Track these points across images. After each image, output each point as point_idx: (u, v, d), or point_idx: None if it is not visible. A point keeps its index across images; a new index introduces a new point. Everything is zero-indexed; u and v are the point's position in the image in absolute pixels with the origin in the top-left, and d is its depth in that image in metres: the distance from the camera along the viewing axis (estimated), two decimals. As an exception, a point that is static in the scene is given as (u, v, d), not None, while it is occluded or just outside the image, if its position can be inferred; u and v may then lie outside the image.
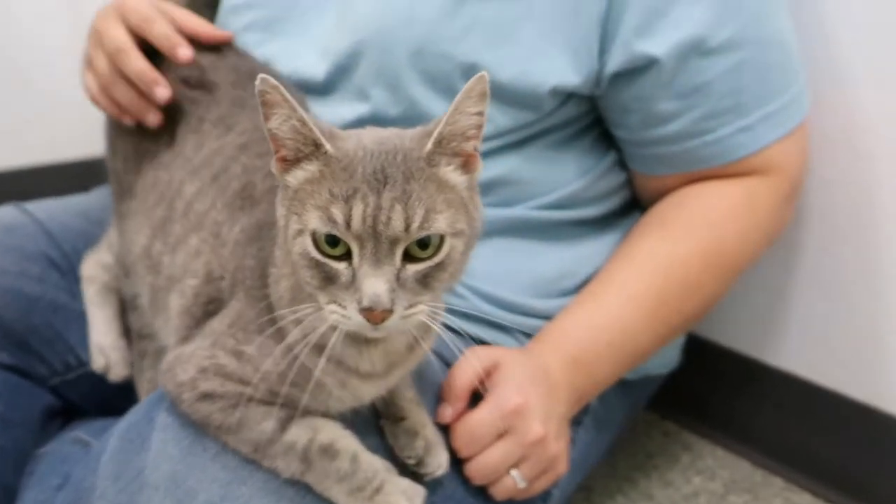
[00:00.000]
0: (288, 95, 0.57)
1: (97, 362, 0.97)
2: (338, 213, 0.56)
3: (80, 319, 1.03)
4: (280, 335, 0.67)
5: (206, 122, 0.87)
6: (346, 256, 0.58)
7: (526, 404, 0.78)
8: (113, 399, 0.98)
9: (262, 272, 0.70)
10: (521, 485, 0.79)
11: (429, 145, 0.59)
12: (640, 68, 0.85)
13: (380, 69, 0.88)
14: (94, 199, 1.15)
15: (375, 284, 0.56)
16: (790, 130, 0.89)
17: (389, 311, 0.56)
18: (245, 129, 0.83)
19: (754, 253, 0.94)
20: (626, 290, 0.89)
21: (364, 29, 0.89)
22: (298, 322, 0.64)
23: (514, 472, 0.78)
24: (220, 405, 0.69)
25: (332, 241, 0.57)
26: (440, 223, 0.58)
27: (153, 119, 0.89)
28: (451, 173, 0.60)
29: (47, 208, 1.10)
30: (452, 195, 0.60)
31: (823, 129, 1.01)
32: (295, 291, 0.65)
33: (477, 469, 0.78)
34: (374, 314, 0.56)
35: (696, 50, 0.83)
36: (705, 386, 1.24)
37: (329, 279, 0.58)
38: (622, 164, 0.99)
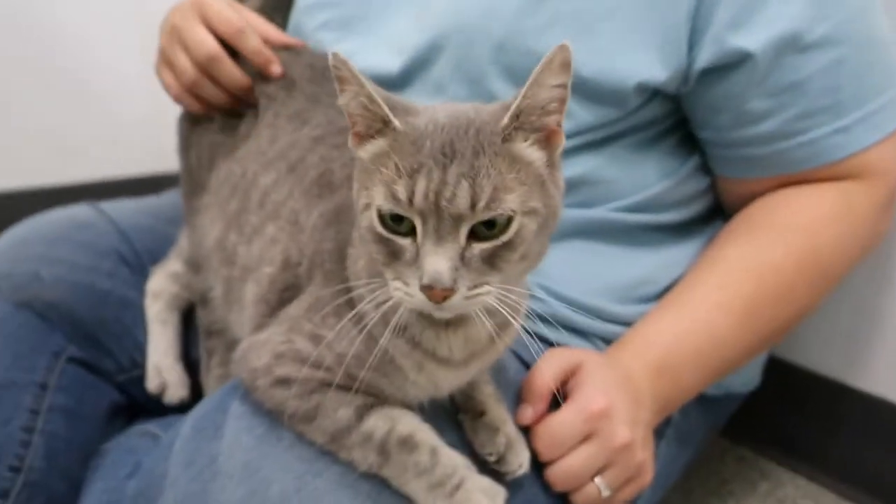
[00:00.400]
0: (356, 71, 0.56)
1: (152, 382, 0.96)
2: (401, 189, 0.55)
3: (148, 315, 1.03)
4: (358, 316, 0.65)
5: (281, 117, 0.87)
6: (412, 232, 0.56)
7: (611, 407, 0.74)
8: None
9: (340, 254, 0.68)
10: (606, 493, 0.74)
11: (505, 119, 0.57)
12: (732, 64, 0.82)
13: (459, 64, 0.87)
14: (165, 200, 1.16)
15: (436, 262, 0.54)
16: (889, 133, 0.85)
17: (451, 290, 0.54)
18: (320, 122, 0.83)
19: (850, 262, 0.90)
20: (715, 296, 0.85)
21: (444, 24, 0.88)
22: (374, 302, 0.63)
23: (598, 480, 0.74)
24: (296, 391, 0.67)
25: (398, 216, 0.56)
26: (509, 202, 0.55)
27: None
28: (527, 149, 0.58)
29: (119, 207, 1.11)
30: (527, 172, 0.57)
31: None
32: (371, 269, 0.64)
33: (559, 474, 0.74)
34: (435, 292, 0.54)
35: (793, 45, 0.80)
36: (784, 410, 1.19)
37: (394, 255, 0.57)
38: (706, 168, 0.96)
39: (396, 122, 0.57)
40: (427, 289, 0.54)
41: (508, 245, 0.56)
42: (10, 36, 1.90)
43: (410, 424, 0.67)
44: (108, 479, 0.79)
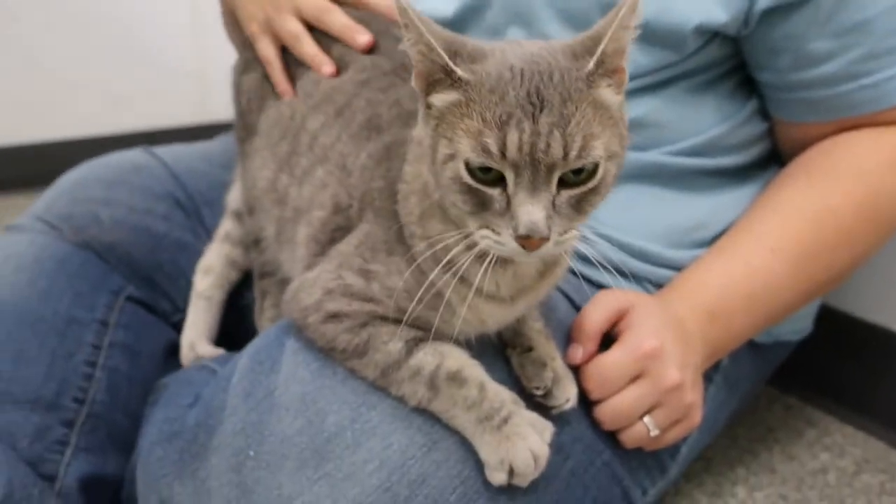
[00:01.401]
0: (417, 19, 0.55)
1: (186, 358, 0.97)
2: (491, 142, 0.54)
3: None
4: (409, 251, 0.66)
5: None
6: (500, 181, 0.56)
7: (662, 348, 0.74)
8: (233, 337, 0.99)
9: (390, 191, 0.69)
10: (654, 432, 0.75)
11: (591, 65, 0.56)
12: (796, 3, 0.79)
13: (515, 7, 0.86)
14: (217, 145, 1.17)
15: (532, 212, 0.54)
16: None
17: (546, 239, 0.55)
18: (365, 65, 0.82)
19: None
20: (770, 240, 0.84)
21: None
22: (427, 237, 0.64)
23: (646, 419, 0.75)
24: (347, 324, 0.68)
25: (486, 167, 0.56)
26: (598, 149, 0.55)
27: (328, 70, 0.86)
28: (607, 93, 0.58)
29: (173, 152, 1.13)
30: (608, 116, 0.57)
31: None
32: (424, 207, 0.65)
33: (608, 412, 0.75)
34: (532, 241, 0.55)
35: None
36: (833, 359, 1.17)
37: (482, 205, 0.57)
38: (764, 112, 0.93)
39: (461, 73, 0.56)
40: (523, 238, 0.55)
41: (595, 190, 0.57)
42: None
43: (459, 360, 0.68)
44: (169, 409, 0.81)
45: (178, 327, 1.04)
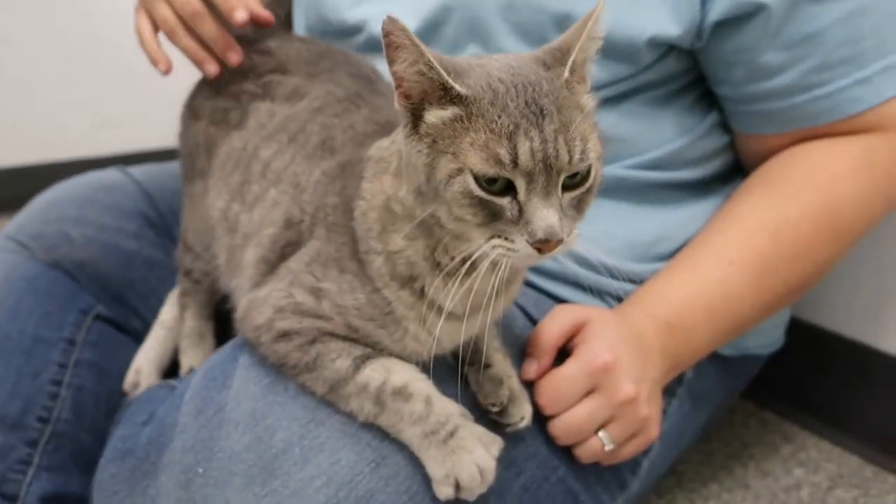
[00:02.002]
0: (415, 38, 0.56)
1: (128, 380, 0.96)
2: (503, 152, 0.55)
3: (174, 276, 1.05)
4: (362, 268, 0.66)
5: (278, 98, 0.86)
6: (508, 191, 0.57)
7: (616, 362, 0.74)
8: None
9: (345, 207, 0.69)
10: (609, 447, 0.75)
11: (565, 74, 0.58)
12: (746, 15, 0.80)
13: (470, 24, 0.87)
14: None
15: (548, 217, 0.56)
16: None
17: (562, 240, 0.56)
18: (318, 95, 0.83)
19: (873, 217, 0.87)
20: (728, 253, 0.84)
21: None
22: (383, 252, 0.64)
23: (601, 434, 0.75)
24: (298, 342, 0.69)
25: (492, 178, 0.56)
26: (591, 150, 0.57)
27: (212, 70, 0.89)
28: (586, 98, 0.60)
29: (146, 171, 1.14)
30: (590, 119, 0.59)
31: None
32: (385, 222, 0.65)
33: (562, 426, 0.74)
34: (550, 245, 0.56)
35: None
36: (809, 374, 1.16)
37: (493, 215, 0.57)
38: (724, 125, 0.94)
39: (460, 89, 0.57)
40: (542, 242, 0.56)
41: (590, 190, 0.59)
42: (50, 12, 1.95)
43: (405, 374, 0.68)
44: (126, 427, 0.81)
45: (147, 345, 1.04)
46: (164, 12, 0.90)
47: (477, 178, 0.56)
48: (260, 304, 0.71)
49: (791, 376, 1.17)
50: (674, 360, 0.82)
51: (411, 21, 0.92)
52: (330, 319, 0.68)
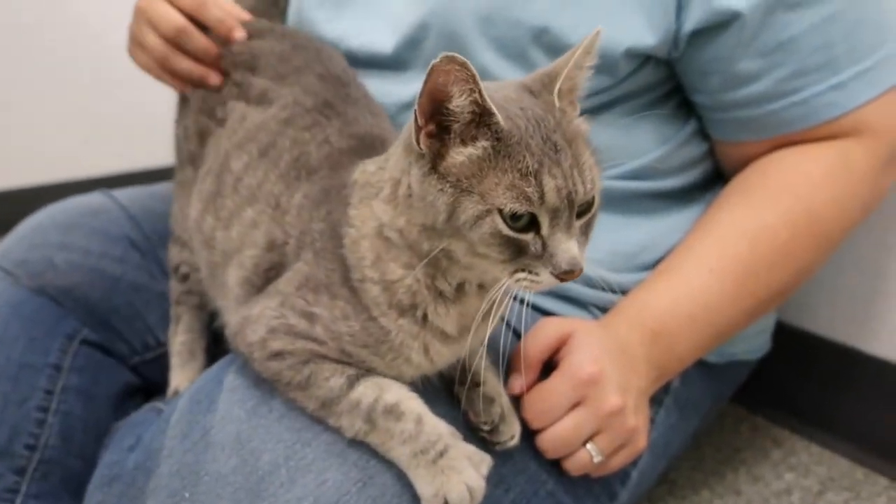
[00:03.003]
0: (475, 71, 0.55)
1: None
2: (531, 190, 0.56)
3: (159, 300, 1.05)
4: (355, 295, 0.66)
5: (250, 100, 0.87)
6: (531, 226, 0.58)
7: (601, 373, 0.74)
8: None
9: (332, 234, 0.69)
10: (598, 458, 0.75)
11: (556, 103, 0.60)
12: (721, 24, 0.81)
13: (449, 39, 0.87)
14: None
15: (571, 248, 0.58)
16: (886, 89, 0.83)
17: (582, 269, 0.58)
18: (286, 103, 0.83)
19: (851, 222, 0.88)
20: (708, 261, 0.84)
21: (431, 0, 0.88)
22: (380, 282, 0.65)
23: (589, 446, 0.75)
24: (290, 362, 0.69)
25: (518, 215, 0.57)
26: (598, 178, 0.60)
27: (214, 80, 0.90)
28: (583, 123, 0.62)
29: (131, 194, 1.14)
30: (591, 146, 0.62)
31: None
32: (379, 251, 0.65)
33: (549, 440, 0.74)
34: (574, 274, 0.58)
35: (782, 3, 0.79)
36: (797, 378, 1.17)
37: (518, 251, 0.58)
38: (704, 133, 0.94)
39: (503, 124, 0.57)
40: (567, 273, 0.58)
41: (594, 215, 0.62)
42: (30, 33, 1.95)
43: (398, 393, 0.68)
44: (114, 452, 0.81)
45: (136, 370, 1.04)
46: (153, 41, 0.91)
47: (504, 218, 0.57)
48: (252, 322, 0.71)
49: (779, 381, 1.18)
50: (659, 369, 0.83)
51: (389, 39, 0.93)
52: (323, 343, 0.68)
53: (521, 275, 0.59)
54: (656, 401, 0.87)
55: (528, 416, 0.75)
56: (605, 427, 0.75)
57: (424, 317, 0.66)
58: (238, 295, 0.76)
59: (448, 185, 0.58)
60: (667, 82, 0.91)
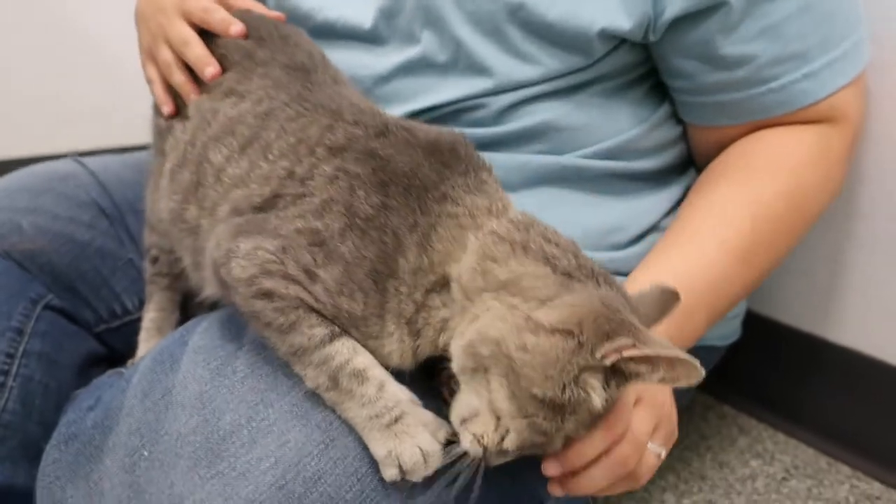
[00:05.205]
0: None
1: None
2: None
3: (127, 268, 1.04)
4: (376, 288, 0.65)
5: (216, 91, 0.86)
6: None
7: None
8: None
9: (391, 229, 0.66)
10: (662, 453, 0.71)
11: None
12: (708, 9, 0.80)
13: (425, 12, 0.87)
14: (149, 154, 1.16)
15: None
16: (853, 78, 0.84)
17: None
18: (259, 97, 0.81)
19: (825, 204, 0.89)
20: (718, 233, 0.83)
21: None
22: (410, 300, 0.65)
23: (649, 444, 0.70)
24: (278, 305, 0.66)
25: None
26: None
27: (194, 98, 0.89)
28: None
29: (102, 161, 1.12)
30: None
31: (884, 86, 0.95)
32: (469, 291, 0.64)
33: (623, 452, 0.67)
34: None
35: None
36: (763, 366, 1.18)
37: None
38: (678, 116, 0.95)
39: None
40: None
41: None
42: (11, 8, 1.92)
43: (369, 360, 0.67)
44: (73, 412, 0.80)
45: (101, 338, 1.02)
46: (166, 55, 0.91)
47: None
48: (242, 257, 0.67)
49: (746, 370, 1.18)
50: (681, 339, 0.80)
51: (367, 12, 0.92)
52: (318, 301, 0.66)
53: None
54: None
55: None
56: (661, 419, 0.71)
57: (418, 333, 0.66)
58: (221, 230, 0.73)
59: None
60: (643, 64, 0.91)
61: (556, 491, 0.68)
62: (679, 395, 1.01)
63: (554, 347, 0.59)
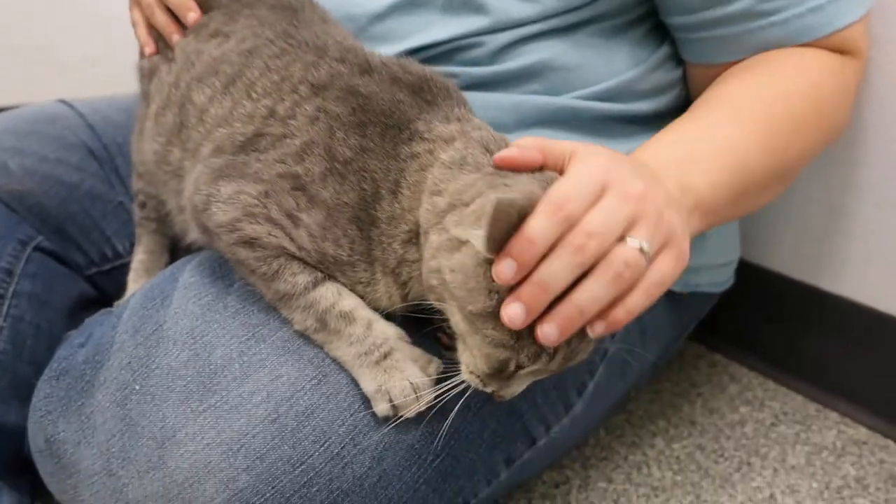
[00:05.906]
0: None
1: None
2: None
3: (118, 210, 1.03)
4: (360, 234, 0.65)
5: (201, 35, 0.84)
6: None
7: (616, 167, 0.59)
8: None
9: (368, 173, 0.65)
10: (646, 246, 0.57)
11: None
12: None
13: None
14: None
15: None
16: (859, 17, 0.82)
17: None
18: (245, 35, 0.79)
19: (840, 125, 0.86)
20: (730, 115, 0.78)
21: None
22: (391, 250, 0.65)
23: (629, 238, 0.57)
24: (260, 253, 0.66)
25: None
26: None
27: (178, 39, 0.88)
28: None
29: (91, 103, 1.11)
30: None
31: (889, 37, 0.94)
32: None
33: (581, 234, 0.55)
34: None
35: None
36: (756, 316, 1.18)
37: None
38: (677, 59, 0.93)
39: None
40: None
41: None
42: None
43: (355, 301, 0.67)
44: (64, 348, 0.79)
45: (92, 280, 1.02)
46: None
47: None
48: (224, 200, 0.67)
49: (739, 318, 1.19)
50: (694, 196, 0.70)
51: None
52: (301, 248, 0.65)
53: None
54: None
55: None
56: (639, 213, 0.58)
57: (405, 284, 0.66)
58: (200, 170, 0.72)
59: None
60: (642, 4, 0.89)
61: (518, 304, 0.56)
62: (670, 341, 1.02)
63: (465, 258, 0.57)
